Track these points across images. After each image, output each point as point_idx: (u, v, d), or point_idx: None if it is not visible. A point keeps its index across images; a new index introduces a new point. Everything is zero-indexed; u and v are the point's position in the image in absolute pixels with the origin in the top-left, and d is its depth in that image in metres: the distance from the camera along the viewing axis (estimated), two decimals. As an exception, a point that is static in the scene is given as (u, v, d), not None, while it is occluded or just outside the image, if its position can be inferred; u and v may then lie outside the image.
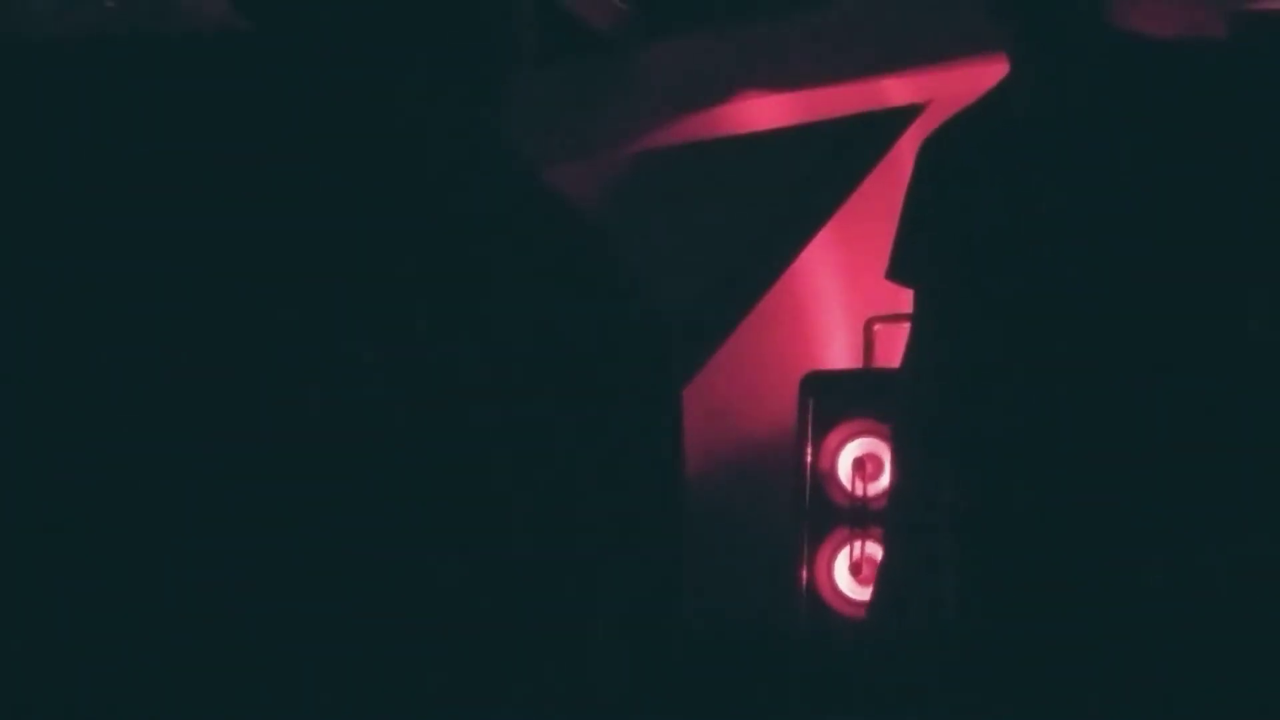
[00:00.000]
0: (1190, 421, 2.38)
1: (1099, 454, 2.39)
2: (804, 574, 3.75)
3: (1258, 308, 2.43)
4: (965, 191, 2.57)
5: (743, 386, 4.31)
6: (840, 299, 4.28)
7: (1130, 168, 2.43)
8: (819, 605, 3.73)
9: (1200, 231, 2.40)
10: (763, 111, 4.30)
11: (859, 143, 4.27)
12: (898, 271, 2.74)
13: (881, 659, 2.76)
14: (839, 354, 4.28)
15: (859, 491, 3.73)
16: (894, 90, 4.21)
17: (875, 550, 3.64)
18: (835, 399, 3.81)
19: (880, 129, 4.23)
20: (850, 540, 3.74)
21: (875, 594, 2.74)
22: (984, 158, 2.57)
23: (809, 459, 3.80)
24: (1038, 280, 2.46)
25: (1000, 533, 2.49)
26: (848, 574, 3.74)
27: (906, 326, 2.82)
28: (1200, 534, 2.36)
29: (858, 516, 3.73)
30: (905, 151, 3.72)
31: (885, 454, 3.50)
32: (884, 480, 3.58)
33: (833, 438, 3.79)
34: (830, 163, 4.37)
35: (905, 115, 4.18)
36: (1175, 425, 2.39)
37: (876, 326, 4.07)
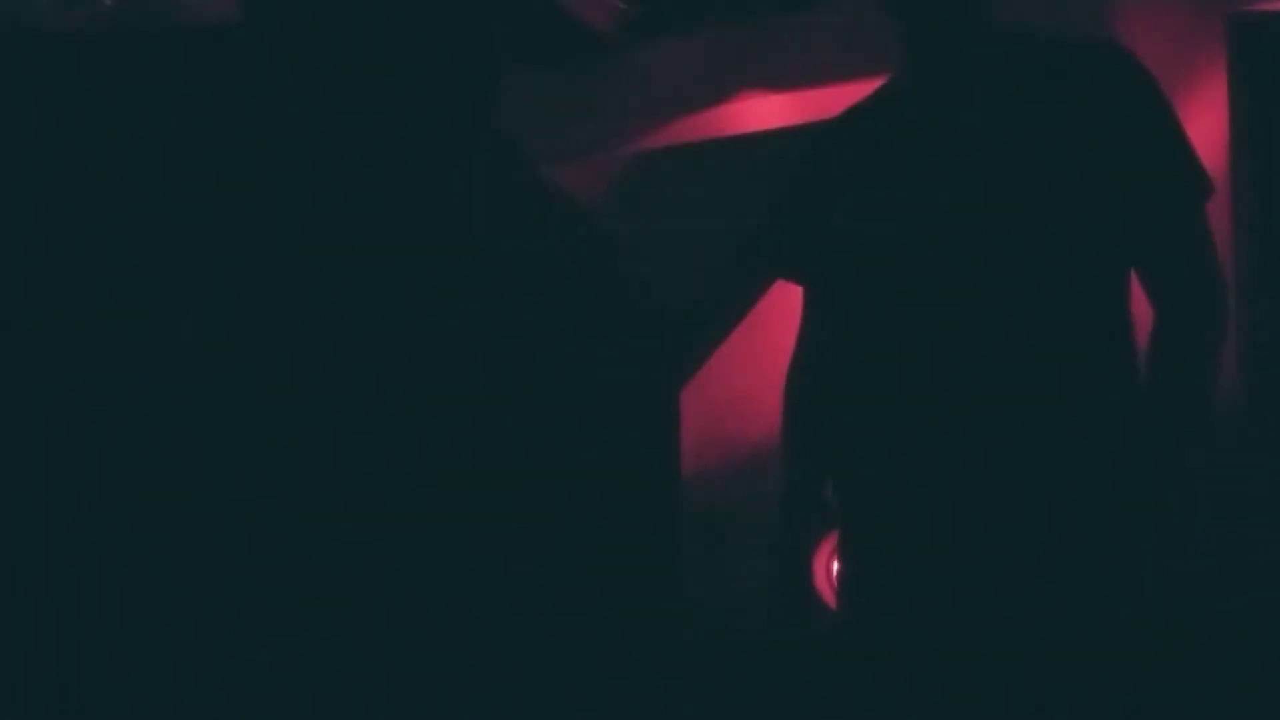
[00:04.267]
0: (1063, 414, 2.40)
1: (977, 454, 2.40)
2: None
3: (1113, 293, 2.45)
4: (848, 189, 2.59)
5: (743, 386, 4.31)
6: (839, 299, 4.27)
7: (1004, 164, 2.44)
8: (816, 605, 3.73)
9: (1078, 228, 2.41)
10: (763, 111, 4.30)
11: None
12: (783, 270, 2.77)
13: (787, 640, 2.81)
14: (838, 354, 4.27)
15: (858, 492, 3.72)
16: (894, 90, 4.21)
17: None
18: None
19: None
20: (849, 540, 3.74)
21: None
22: (868, 155, 2.59)
23: (808, 459, 3.81)
24: (910, 278, 2.47)
25: (877, 524, 2.50)
26: (846, 574, 3.74)
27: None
28: (1061, 512, 2.38)
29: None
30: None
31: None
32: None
33: (832, 438, 3.80)
34: (830, 163, 4.37)
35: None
36: (1050, 421, 2.40)
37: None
